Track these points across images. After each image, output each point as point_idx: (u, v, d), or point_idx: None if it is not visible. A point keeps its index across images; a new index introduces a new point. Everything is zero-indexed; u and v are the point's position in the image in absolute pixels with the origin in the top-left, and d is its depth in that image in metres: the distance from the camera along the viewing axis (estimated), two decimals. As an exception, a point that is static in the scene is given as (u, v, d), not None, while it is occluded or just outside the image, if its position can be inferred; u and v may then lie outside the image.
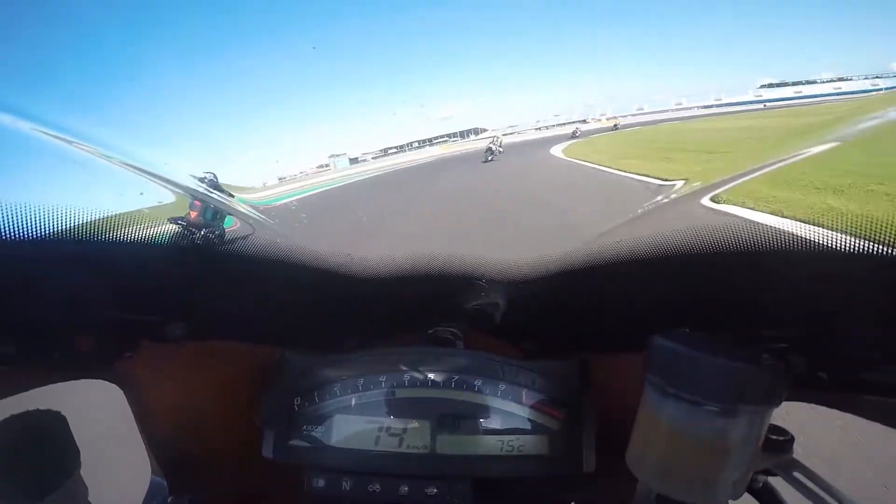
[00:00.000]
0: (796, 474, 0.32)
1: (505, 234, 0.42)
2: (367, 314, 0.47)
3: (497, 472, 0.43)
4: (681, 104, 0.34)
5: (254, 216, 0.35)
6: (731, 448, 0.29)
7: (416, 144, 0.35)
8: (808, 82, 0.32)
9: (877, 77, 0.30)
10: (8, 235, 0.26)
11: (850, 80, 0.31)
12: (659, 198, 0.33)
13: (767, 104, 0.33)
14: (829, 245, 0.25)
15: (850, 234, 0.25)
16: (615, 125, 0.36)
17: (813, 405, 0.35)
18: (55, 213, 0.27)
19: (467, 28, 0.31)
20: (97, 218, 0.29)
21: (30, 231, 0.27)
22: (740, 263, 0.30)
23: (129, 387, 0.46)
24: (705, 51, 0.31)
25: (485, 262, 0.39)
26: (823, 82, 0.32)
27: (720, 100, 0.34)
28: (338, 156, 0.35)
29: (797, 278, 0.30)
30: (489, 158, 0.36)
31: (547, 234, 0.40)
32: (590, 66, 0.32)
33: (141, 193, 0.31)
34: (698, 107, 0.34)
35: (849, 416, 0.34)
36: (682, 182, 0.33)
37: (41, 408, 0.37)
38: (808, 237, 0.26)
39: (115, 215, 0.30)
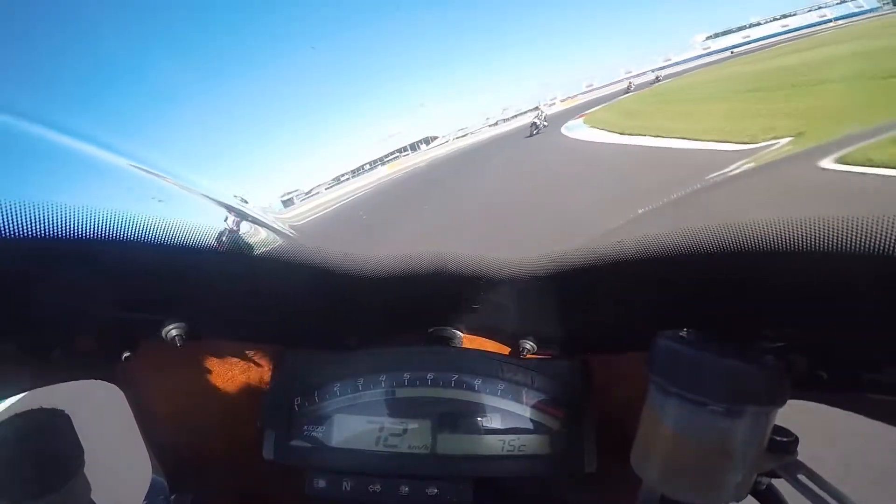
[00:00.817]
0: (800, 476, 0.32)
1: (507, 233, 0.42)
2: (366, 313, 0.47)
3: (498, 472, 0.43)
4: (630, 72, 0.33)
5: (289, 234, 0.35)
6: (735, 449, 0.29)
7: (368, 167, 0.35)
8: (752, 25, 0.31)
9: (820, 7, 0.29)
10: (7, 234, 0.26)
11: (794, 14, 0.30)
12: (731, 167, 0.29)
13: (734, 51, 0.31)
14: (833, 244, 0.25)
15: (854, 234, 0.25)
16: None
17: (817, 406, 0.34)
18: (55, 212, 0.27)
19: (402, 38, 0.31)
20: (97, 217, 0.29)
21: (29, 230, 0.27)
22: (743, 262, 0.30)
23: (129, 387, 0.46)
24: (631, 17, 0.31)
25: (485, 260, 0.39)
26: (768, 22, 0.31)
27: (669, 60, 0.33)
28: (290, 194, 0.34)
29: (800, 278, 0.29)
30: (534, 133, 0.36)
31: (549, 232, 0.39)
32: (527, 55, 0.32)
33: (159, 200, 0.31)
34: (651, 70, 0.33)
35: (853, 416, 0.33)
36: (787, 139, 0.27)
37: (45, 406, 0.37)
38: (811, 236, 0.26)
39: (123, 219, 0.30)
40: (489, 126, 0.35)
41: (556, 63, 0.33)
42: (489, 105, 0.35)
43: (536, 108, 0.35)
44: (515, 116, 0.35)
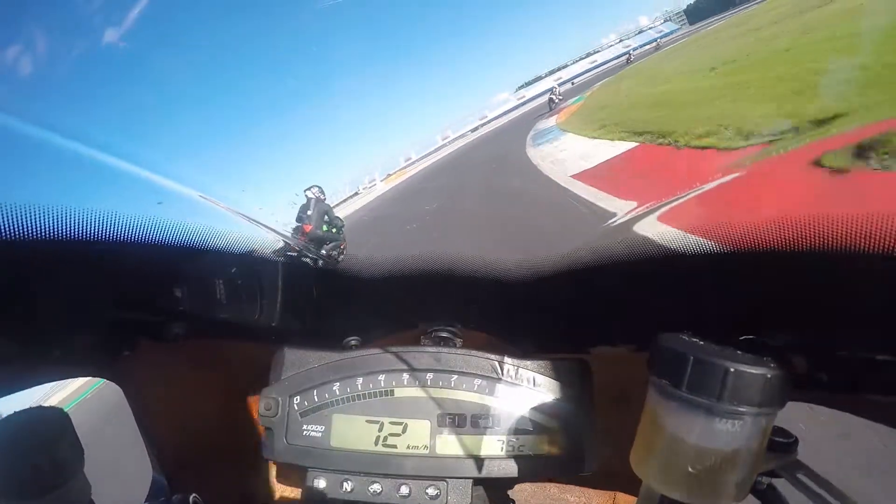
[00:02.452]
0: (800, 476, 0.32)
1: (507, 233, 0.42)
2: (367, 313, 0.47)
3: (497, 473, 0.43)
4: (447, 137, 0.35)
5: (290, 236, 0.36)
6: (735, 450, 0.29)
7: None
8: (560, 68, 0.33)
9: (620, 41, 0.31)
10: (9, 235, 0.26)
11: (599, 51, 0.32)
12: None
13: (573, 82, 0.33)
14: (833, 245, 0.25)
15: (853, 234, 0.25)
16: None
17: (817, 407, 0.35)
18: (56, 214, 0.27)
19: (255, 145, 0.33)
20: (99, 219, 0.29)
21: (31, 230, 0.27)
22: (743, 264, 0.30)
23: (129, 385, 0.46)
24: (444, 83, 0.33)
25: (486, 261, 0.39)
26: (575, 62, 0.33)
27: (485, 118, 0.35)
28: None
29: (800, 279, 0.29)
30: (552, 108, 0.37)
31: (550, 233, 0.40)
32: (350, 132, 0.34)
33: (159, 202, 0.32)
34: (468, 131, 0.35)
35: (853, 417, 0.33)
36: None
37: (44, 405, 0.37)
38: (812, 237, 0.26)
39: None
40: (343, 201, 0.37)
41: (373, 143, 0.35)
42: (335, 183, 0.37)
43: (551, 88, 0.36)
44: (368, 188, 0.37)
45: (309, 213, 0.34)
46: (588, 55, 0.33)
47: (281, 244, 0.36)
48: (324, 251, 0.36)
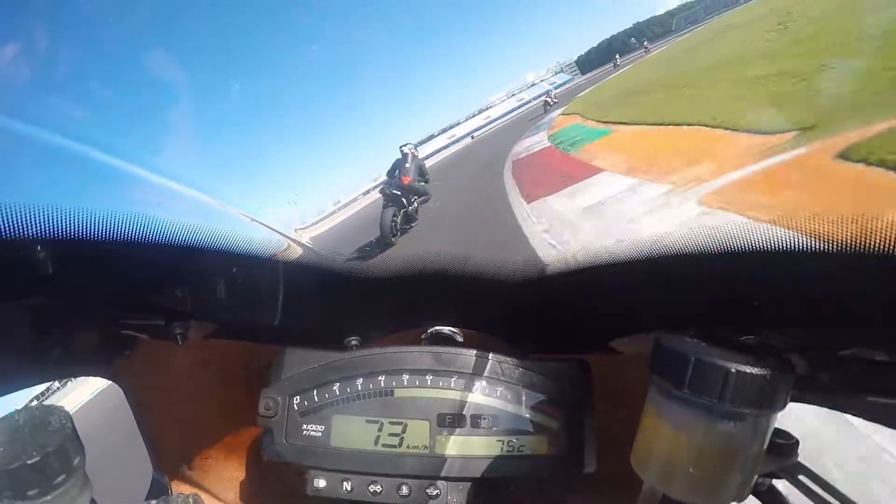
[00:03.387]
0: (801, 478, 0.32)
1: (507, 233, 0.42)
2: (366, 313, 0.47)
3: (498, 473, 0.43)
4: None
5: (291, 237, 0.36)
6: (736, 451, 0.29)
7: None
8: (454, 125, 0.34)
9: (536, 81, 0.33)
10: (8, 234, 0.26)
11: (491, 107, 0.34)
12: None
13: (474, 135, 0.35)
14: (834, 244, 0.25)
15: (855, 234, 0.24)
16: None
17: (817, 408, 0.34)
18: (57, 213, 0.27)
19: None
20: (100, 218, 0.29)
21: (30, 230, 0.27)
22: (745, 264, 0.30)
23: (128, 385, 0.46)
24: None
25: (486, 260, 0.39)
26: (494, 106, 0.34)
27: (377, 179, 0.37)
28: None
29: (802, 279, 0.29)
30: (547, 109, 0.39)
31: (550, 233, 0.40)
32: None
33: (159, 201, 0.32)
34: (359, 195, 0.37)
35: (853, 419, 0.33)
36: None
37: (45, 403, 0.37)
38: (813, 236, 0.26)
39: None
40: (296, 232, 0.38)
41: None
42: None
43: (547, 91, 0.37)
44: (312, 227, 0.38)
45: (407, 165, 0.37)
46: (480, 111, 0.35)
47: (281, 243, 0.36)
48: (415, 203, 0.38)
